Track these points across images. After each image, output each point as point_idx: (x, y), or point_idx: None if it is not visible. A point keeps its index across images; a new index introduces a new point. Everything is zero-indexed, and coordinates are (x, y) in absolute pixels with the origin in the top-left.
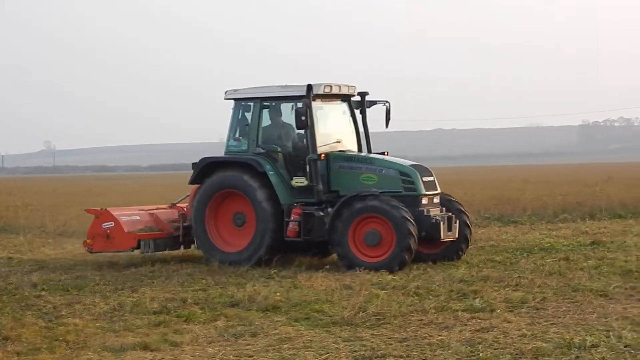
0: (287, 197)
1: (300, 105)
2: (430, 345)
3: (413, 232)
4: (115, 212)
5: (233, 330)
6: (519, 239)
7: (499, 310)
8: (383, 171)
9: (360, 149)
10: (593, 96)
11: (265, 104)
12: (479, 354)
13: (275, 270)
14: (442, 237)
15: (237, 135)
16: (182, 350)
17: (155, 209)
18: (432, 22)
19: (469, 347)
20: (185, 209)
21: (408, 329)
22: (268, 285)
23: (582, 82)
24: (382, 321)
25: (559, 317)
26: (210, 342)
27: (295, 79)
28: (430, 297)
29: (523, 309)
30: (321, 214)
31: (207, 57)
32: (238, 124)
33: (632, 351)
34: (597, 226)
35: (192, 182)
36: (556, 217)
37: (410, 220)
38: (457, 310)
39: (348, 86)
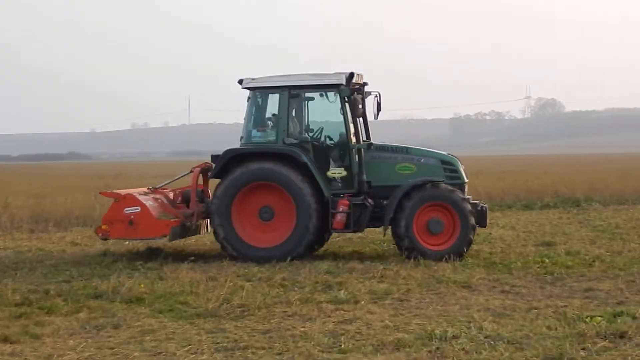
0: (327, 188)
1: (356, 93)
2: (293, 336)
3: (474, 214)
4: (141, 196)
5: (95, 322)
6: (388, 231)
7: (363, 302)
8: (422, 160)
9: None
10: (465, 90)
11: (294, 92)
12: (341, 345)
13: (140, 262)
14: (486, 224)
15: (261, 125)
16: (43, 343)
17: (143, 194)
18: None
19: (331, 339)
20: (173, 195)
21: (272, 321)
22: (133, 276)
23: (454, 76)
24: (246, 313)
25: (422, 309)
26: (72, 334)
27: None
28: (296, 288)
29: (387, 300)
30: (368, 204)
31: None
32: (257, 113)
33: (492, 342)
34: None
35: (215, 175)
36: None
37: (469, 203)
38: (321, 302)
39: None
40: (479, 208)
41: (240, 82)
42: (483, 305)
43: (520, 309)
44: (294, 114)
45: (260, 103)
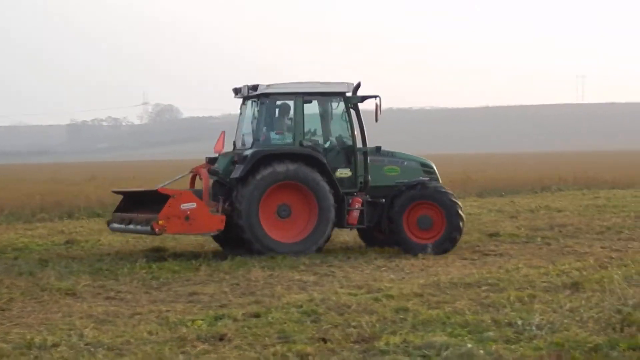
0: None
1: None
2: None
3: (460, 214)
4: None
5: None
6: None
7: None
8: (405, 163)
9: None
10: (81, 95)
11: (307, 99)
12: None
13: None
14: None
15: (272, 129)
16: None
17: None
18: None
19: None
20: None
21: None
22: None
23: (70, 83)
24: None
25: (23, 318)
26: None
27: None
28: None
29: None
30: (381, 201)
31: None
32: (271, 118)
33: (92, 349)
34: (75, 225)
35: (243, 176)
36: (34, 217)
37: (457, 203)
38: None
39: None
40: None
41: (236, 91)
42: (86, 312)
43: (124, 314)
44: (307, 118)
45: (273, 108)
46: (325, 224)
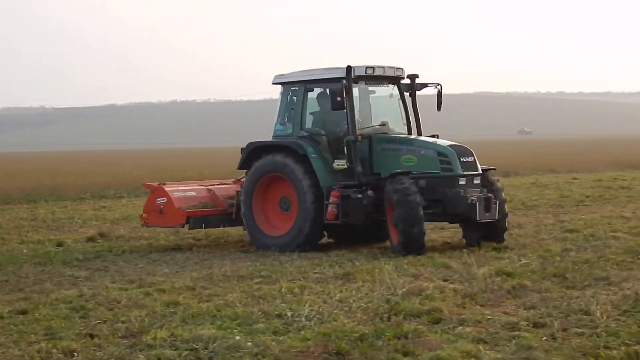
0: (329, 180)
1: (336, 86)
2: None
3: (403, 203)
4: (169, 188)
5: None
6: None
7: None
8: (422, 152)
9: (410, 132)
10: None
11: (309, 87)
12: None
13: None
14: (478, 218)
15: (284, 119)
16: None
17: (218, 184)
18: None
19: None
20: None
21: None
22: None
23: None
24: None
25: None
26: None
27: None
28: None
29: None
30: (359, 196)
31: None
32: (285, 108)
33: None
34: None
35: (240, 167)
36: None
37: (400, 191)
38: None
39: (394, 68)
40: (468, 201)
41: None
42: None
43: None
44: (314, 106)
45: (287, 98)
46: (303, 218)
